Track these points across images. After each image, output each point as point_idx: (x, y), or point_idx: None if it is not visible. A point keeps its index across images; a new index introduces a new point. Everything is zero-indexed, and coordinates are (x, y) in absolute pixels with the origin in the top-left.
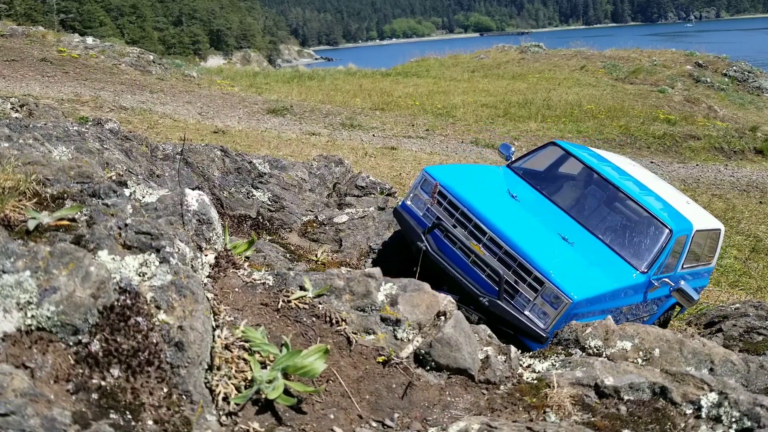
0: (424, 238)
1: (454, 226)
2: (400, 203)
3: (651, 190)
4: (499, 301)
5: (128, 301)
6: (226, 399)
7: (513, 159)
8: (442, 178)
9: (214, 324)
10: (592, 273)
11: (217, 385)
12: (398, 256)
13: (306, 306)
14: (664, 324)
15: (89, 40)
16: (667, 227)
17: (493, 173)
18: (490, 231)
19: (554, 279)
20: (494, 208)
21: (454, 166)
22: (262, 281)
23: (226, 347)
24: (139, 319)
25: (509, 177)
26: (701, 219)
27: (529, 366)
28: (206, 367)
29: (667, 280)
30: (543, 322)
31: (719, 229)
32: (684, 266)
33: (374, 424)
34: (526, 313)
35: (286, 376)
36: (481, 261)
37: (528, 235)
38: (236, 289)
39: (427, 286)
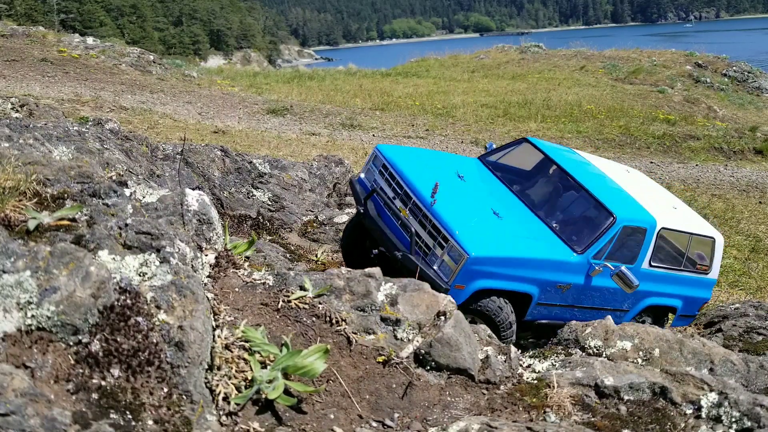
0: (364, 203)
1: (392, 196)
2: (356, 177)
3: (618, 184)
4: (410, 255)
5: (128, 301)
6: (226, 399)
7: (486, 152)
8: (388, 153)
9: (214, 324)
10: (509, 240)
11: (218, 385)
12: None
13: (306, 306)
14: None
15: (89, 40)
16: (612, 215)
17: (451, 159)
18: (414, 197)
19: (457, 237)
20: (425, 181)
21: (410, 147)
22: (262, 281)
23: (227, 347)
24: (140, 319)
25: (469, 164)
26: (685, 222)
27: (529, 366)
28: (206, 367)
29: (607, 264)
30: (446, 275)
31: (713, 238)
32: (653, 264)
33: (374, 424)
34: (434, 267)
35: (286, 376)
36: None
37: (450, 203)
38: (236, 289)
39: (427, 286)
